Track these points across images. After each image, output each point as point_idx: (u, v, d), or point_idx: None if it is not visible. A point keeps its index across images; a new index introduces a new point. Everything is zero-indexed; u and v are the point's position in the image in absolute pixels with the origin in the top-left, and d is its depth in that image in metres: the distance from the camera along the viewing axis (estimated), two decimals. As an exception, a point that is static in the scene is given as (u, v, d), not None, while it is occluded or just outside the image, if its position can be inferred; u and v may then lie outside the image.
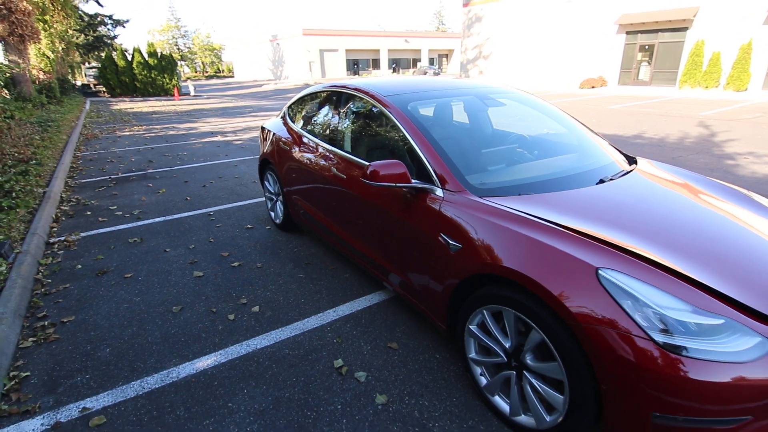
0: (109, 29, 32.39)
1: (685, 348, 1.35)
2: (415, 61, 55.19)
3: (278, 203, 4.08)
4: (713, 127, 9.81)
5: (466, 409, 2.00)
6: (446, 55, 58.88)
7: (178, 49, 67.28)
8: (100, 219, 4.64)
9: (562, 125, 3.01)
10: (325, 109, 3.34)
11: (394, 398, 2.07)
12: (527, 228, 1.74)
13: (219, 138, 9.85)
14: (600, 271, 1.49)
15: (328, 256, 3.61)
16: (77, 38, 29.08)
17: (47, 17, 16.53)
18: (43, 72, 16.82)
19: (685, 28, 19.42)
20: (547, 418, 1.69)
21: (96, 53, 33.69)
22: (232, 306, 2.91)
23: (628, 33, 21.42)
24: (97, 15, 29.67)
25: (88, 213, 4.83)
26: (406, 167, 2.13)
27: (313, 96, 3.62)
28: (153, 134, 10.58)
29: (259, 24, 51.56)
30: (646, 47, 21.08)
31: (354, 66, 50.70)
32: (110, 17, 30.42)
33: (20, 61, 13.43)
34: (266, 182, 4.29)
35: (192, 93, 25.80)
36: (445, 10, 78.66)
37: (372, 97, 2.71)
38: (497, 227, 1.80)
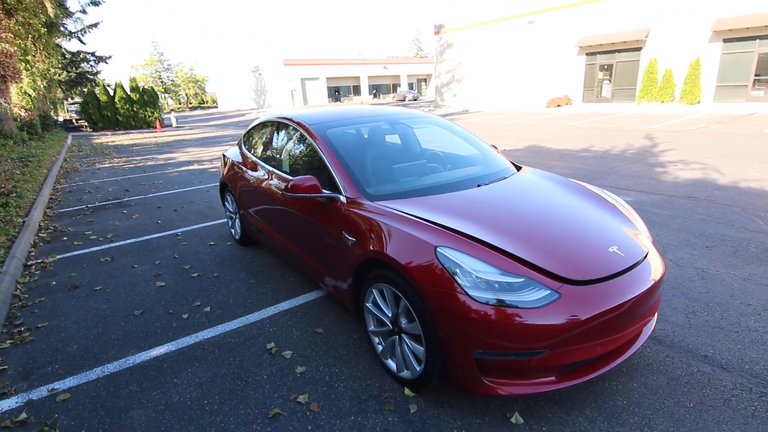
0: (91, 65, 33.07)
1: (494, 300, 1.87)
2: (395, 86, 56.86)
3: (237, 221, 4.57)
4: (657, 139, 10.63)
5: (367, 372, 2.47)
6: (425, 80, 60.81)
7: (162, 82, 68.33)
8: (75, 243, 5.06)
9: (468, 142, 3.58)
10: (268, 136, 3.90)
11: (311, 368, 2.54)
12: (396, 221, 2.27)
13: (195, 166, 10.35)
14: (438, 249, 2.02)
15: (278, 264, 4.09)
16: (59, 75, 29.66)
17: (29, 57, 17.10)
18: (25, 109, 17.27)
19: (639, 48, 20.74)
20: (417, 368, 2.18)
21: (78, 89, 34.28)
22: (187, 308, 3.36)
23: (588, 54, 22.75)
24: (79, 52, 30.39)
25: (65, 238, 5.25)
26: (317, 180, 2.67)
27: (260, 126, 4.18)
28: (132, 165, 11.04)
29: (241, 55, 52.77)
30: (606, 67, 22.38)
31: (335, 93, 52.06)
32: (93, 54, 31.15)
33: (1, 100, 13.88)
34: (226, 203, 4.79)
35: (174, 124, 26.38)
36: (423, 36, 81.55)
37: (299, 125, 3.28)
38: (376, 222, 2.33)
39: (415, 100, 44.49)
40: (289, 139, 3.49)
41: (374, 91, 55.22)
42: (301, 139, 3.28)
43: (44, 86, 21.80)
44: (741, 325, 2.72)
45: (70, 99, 36.97)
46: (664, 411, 2.07)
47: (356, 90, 54.13)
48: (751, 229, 4.32)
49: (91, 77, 33.68)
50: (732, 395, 2.14)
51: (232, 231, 4.77)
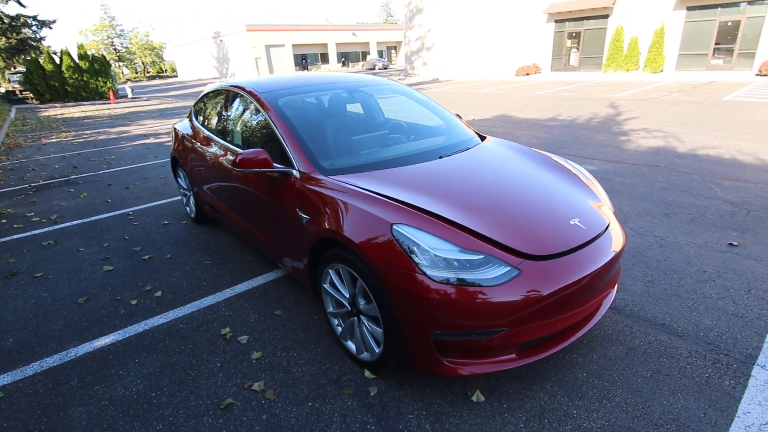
0: (34, 31, 30.39)
1: (453, 279, 1.77)
2: (364, 54, 55.30)
3: (191, 198, 4.31)
4: (621, 108, 10.76)
5: (326, 356, 2.38)
6: (395, 47, 59.35)
7: (115, 49, 63.97)
8: (15, 226, 4.67)
9: (432, 111, 3.43)
10: (218, 107, 3.61)
11: (268, 353, 2.42)
12: (351, 197, 2.12)
13: (151, 140, 9.77)
14: (394, 226, 1.90)
15: (236, 244, 3.89)
16: (-3, 42, 27.18)
17: (-42, 21, 15.46)
18: (-42, 79, 15.74)
19: (607, 15, 20.76)
20: (376, 350, 2.09)
21: (21, 57, 31.57)
22: (136, 293, 3.15)
23: (557, 21, 22.62)
24: (18, 16, 27.78)
25: (3, 221, 4.84)
26: (267, 154, 2.47)
27: (211, 95, 3.87)
28: (81, 140, 10.32)
29: (200, 20, 49.77)
30: (574, 34, 22.36)
31: (302, 61, 50.19)
32: (34, 18, 28.57)
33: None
34: (179, 179, 4.50)
35: (130, 95, 24.85)
36: (393, 2, 78.96)
37: (250, 93, 3.03)
38: (331, 198, 2.18)
39: (386, 68, 43.51)
40: (241, 110, 3.24)
41: (343, 59, 53.58)
42: (253, 109, 3.04)
43: (-21, 53, 19.91)
44: (697, 292, 2.77)
45: (12, 68, 34.10)
46: (622, 382, 2.08)
47: (324, 58, 52.35)
48: (708, 196, 4.42)
49: (35, 44, 30.97)
50: (687, 363, 2.17)
51: (187, 209, 4.50)
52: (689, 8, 18.18)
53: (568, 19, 22.17)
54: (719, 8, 17.54)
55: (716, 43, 18.01)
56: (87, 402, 2.14)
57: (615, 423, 1.85)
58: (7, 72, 34.08)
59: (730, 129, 7.59)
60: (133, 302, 3.02)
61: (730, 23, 17.51)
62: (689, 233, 3.61)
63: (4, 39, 28.55)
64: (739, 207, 4.09)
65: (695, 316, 2.53)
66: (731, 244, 3.38)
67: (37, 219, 4.85)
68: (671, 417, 1.87)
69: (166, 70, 70.45)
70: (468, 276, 1.78)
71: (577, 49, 22.45)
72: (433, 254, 1.81)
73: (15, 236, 4.39)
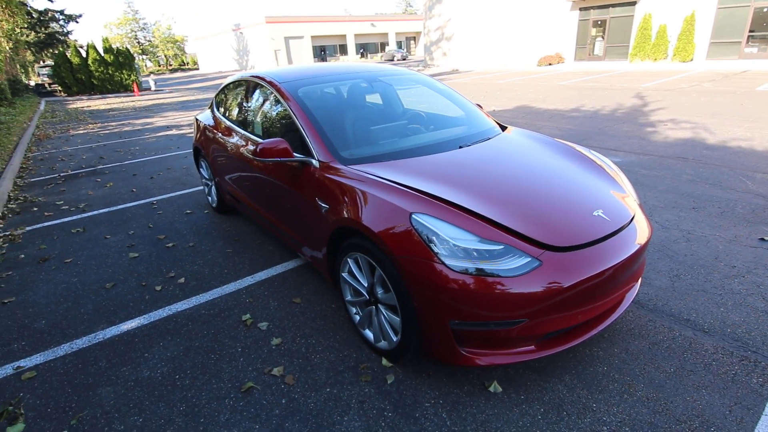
0: (61, 25, 31.21)
1: (472, 269, 1.76)
2: (383, 45, 54.93)
3: (213, 188, 4.38)
4: (647, 98, 10.43)
5: (345, 343, 2.40)
6: (414, 38, 58.75)
7: (138, 42, 65.20)
8: (46, 214, 4.85)
9: (452, 101, 3.39)
10: (239, 97, 3.65)
11: (287, 339, 2.46)
12: (370, 186, 2.12)
13: (174, 132, 9.95)
14: (413, 215, 1.89)
15: (256, 233, 3.95)
16: (27, 36, 27.99)
17: (-9, 16, 15.99)
18: (-9, 73, 16.33)
19: (634, 2, 20.05)
20: (394, 339, 2.10)
21: (50, 51, 32.49)
22: (160, 279, 3.23)
23: (581, 9, 21.97)
24: (47, 11, 28.56)
25: (35, 209, 5.03)
26: (288, 143, 2.49)
27: (232, 86, 3.91)
28: (107, 131, 10.60)
29: (221, 13, 50.22)
30: (599, 23, 21.69)
31: (321, 52, 50.19)
32: (61, 12, 29.32)
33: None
34: (201, 169, 4.58)
35: (153, 88, 25.32)
36: (412, -9, 78.05)
37: (270, 84, 3.05)
38: (350, 188, 2.19)
39: (404, 59, 43.16)
40: (261, 100, 3.26)
41: (361, 50, 53.35)
42: (273, 99, 3.06)
43: (10, 48, 20.58)
44: (725, 288, 2.69)
45: (41, 62, 35.16)
46: (644, 377, 2.04)
47: (342, 49, 52.23)
48: (739, 189, 4.26)
49: (62, 38, 31.84)
50: (713, 359, 2.12)
51: (209, 199, 4.58)
52: (722, -6, 17.40)
53: (593, 7, 21.50)
54: (755, -7, 16.73)
55: (750, 31, 17.20)
56: (114, 382, 2.22)
57: (636, 418, 1.82)
58: (36, 66, 35.15)
59: (764, 120, 7.27)
60: (158, 288, 3.10)
61: (766, 9, 16.70)
62: (718, 227, 3.49)
63: (33, 33, 29.41)
64: (771, 201, 3.93)
65: (722, 312, 2.46)
66: (763, 239, 3.25)
67: (66, 207, 5.02)
68: (695, 413, 1.83)
69: (187, 63, 71.49)
70: (487, 266, 1.77)
71: (603, 37, 21.78)
72: (452, 244, 1.80)
73: (46, 223, 4.55)
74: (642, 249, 2.03)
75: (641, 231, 2.09)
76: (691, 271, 2.89)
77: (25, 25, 25.76)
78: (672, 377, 2.02)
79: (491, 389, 2.01)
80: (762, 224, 3.49)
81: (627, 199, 2.27)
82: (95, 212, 4.80)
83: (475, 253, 1.79)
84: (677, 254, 3.11)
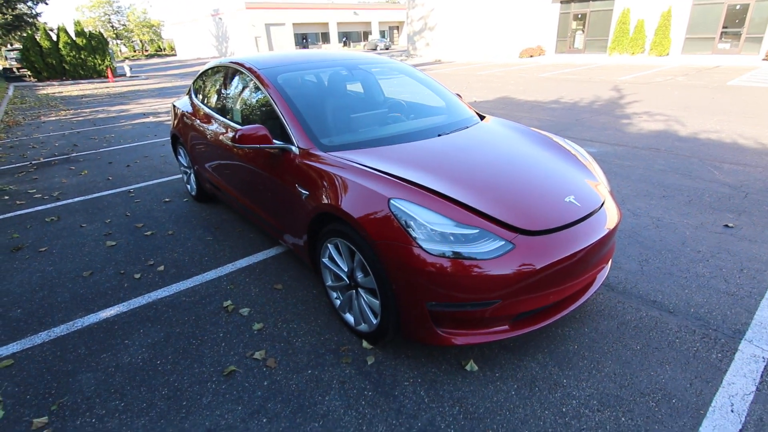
0: (30, 6, 29.88)
1: (448, 252, 1.82)
2: (366, 34, 54.40)
3: (192, 176, 4.33)
4: (624, 91, 10.67)
5: (325, 327, 2.45)
6: (397, 28, 58.35)
7: (112, 26, 62.93)
8: (18, 202, 4.71)
9: (432, 90, 3.43)
10: (218, 84, 3.61)
11: (268, 324, 2.49)
12: (349, 173, 2.15)
13: (150, 119, 9.72)
14: (391, 201, 1.93)
15: (237, 221, 3.93)
16: (-7, 18, 26.72)
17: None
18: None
19: (613, -3, 20.35)
20: (374, 321, 2.15)
21: (18, 34, 31.09)
22: (139, 267, 3.21)
23: (562, 2, 22.20)
24: (13, -9, 27.28)
25: (6, 197, 4.88)
26: (267, 130, 2.49)
27: (210, 72, 3.86)
28: (81, 118, 10.28)
29: (198, -3, 48.82)
30: (579, 16, 21.97)
31: (303, 40, 49.40)
32: (29, -7, 28.06)
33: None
34: (179, 156, 4.52)
35: (128, 74, 24.59)
36: (395, -20, 77.19)
37: (249, 70, 3.03)
38: (329, 174, 2.21)
39: (387, 49, 42.88)
40: (241, 86, 3.24)
41: (344, 39, 52.73)
42: (253, 86, 3.04)
43: (-25, 29, 19.63)
44: (690, 271, 2.83)
45: (8, 45, 33.62)
46: (612, 354, 2.14)
47: (325, 37, 51.51)
48: (707, 179, 4.44)
49: (31, 20, 30.49)
50: (676, 337, 2.24)
51: (188, 187, 4.53)
52: (697, -11, 17.81)
53: (573, 0, 21.75)
54: (728, -10, 17.19)
55: (723, 27, 17.71)
56: (95, 368, 2.22)
57: (603, 392, 1.92)
58: (3, 49, 33.62)
59: (733, 113, 7.55)
60: (137, 276, 3.08)
61: (738, 6, 17.19)
62: (686, 215, 3.64)
63: (-1, 15, 28.09)
64: (737, 190, 4.12)
65: (687, 294, 2.59)
66: (727, 226, 3.42)
67: (39, 196, 4.89)
68: (657, 387, 1.94)
69: (164, 49, 69.44)
70: (463, 249, 1.82)
71: (583, 31, 22.09)
72: (430, 228, 1.85)
73: (18, 212, 4.43)
74: (611, 233, 2.12)
75: (611, 216, 2.18)
76: (659, 255, 3.02)
77: (-10, 7, 24.57)
78: (638, 354, 2.14)
79: (467, 368, 2.09)
80: (727, 211, 3.66)
81: (598, 186, 2.36)
82: (70, 201, 4.69)
83: (451, 237, 1.84)
84: (647, 240, 3.24)
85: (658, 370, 2.04)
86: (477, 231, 1.87)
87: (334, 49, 47.46)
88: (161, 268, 3.18)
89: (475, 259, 1.81)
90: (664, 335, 2.26)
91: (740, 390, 1.91)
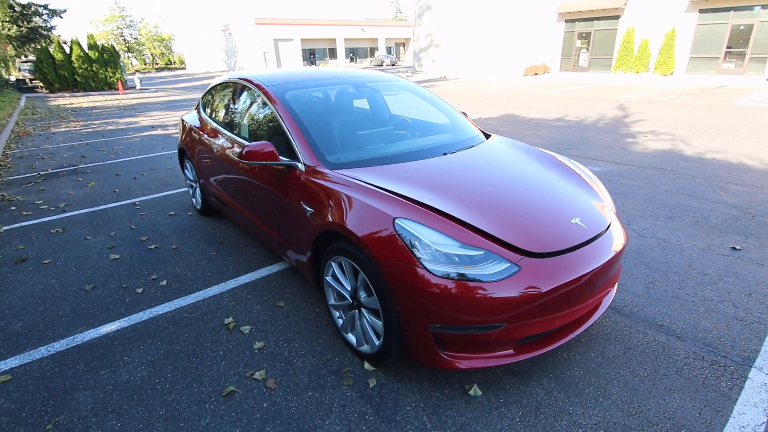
0: (45, 20, 30.67)
1: (453, 273, 1.80)
2: (372, 50, 55.18)
3: (197, 189, 4.35)
4: (629, 110, 10.70)
5: (328, 347, 2.42)
6: (403, 44, 59.17)
7: (124, 40, 64.25)
8: (24, 213, 4.74)
9: (438, 108, 3.44)
10: (226, 99, 3.65)
11: (270, 343, 2.46)
12: (355, 191, 2.15)
13: (159, 132, 9.83)
14: (396, 220, 1.92)
15: (241, 236, 3.93)
16: (9, 30, 27.40)
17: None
18: (-30, 67, 15.91)
19: (618, 16, 20.59)
20: (376, 342, 2.12)
21: (32, 46, 31.82)
22: (142, 282, 3.20)
23: (567, 21, 22.47)
24: (30, 4, 28.09)
25: (13, 208, 4.92)
26: (274, 147, 2.50)
27: (219, 87, 3.90)
28: (90, 130, 10.41)
29: (210, 12, 49.87)
30: (584, 35, 22.20)
31: (310, 56, 50.16)
32: (45, 6, 28.86)
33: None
34: (186, 170, 4.54)
35: (138, 86, 24.95)
36: (402, -2, 78.58)
37: (258, 87, 3.06)
38: (335, 192, 2.21)
39: (393, 65, 43.43)
40: (248, 102, 3.27)
41: (351, 55, 53.50)
42: (260, 102, 3.07)
43: (-9, 42, 20.11)
44: (697, 294, 2.78)
45: (23, 57, 34.38)
46: (618, 380, 2.10)
47: (332, 53, 52.29)
48: (713, 200, 4.41)
49: (45, 33, 31.26)
50: (684, 364, 2.19)
51: (193, 200, 4.55)
52: (701, 11, 18.00)
53: (578, 19, 22.01)
54: (732, 11, 17.35)
55: (728, 47, 17.82)
56: (92, 386, 2.19)
57: (610, 420, 1.87)
58: (17, 60, 34.36)
59: (738, 133, 7.53)
60: (139, 290, 3.07)
61: (742, 27, 17.32)
62: (692, 236, 3.61)
63: (15, 27, 28.81)
64: (743, 211, 4.08)
65: (694, 318, 2.54)
66: (734, 248, 3.37)
67: (46, 207, 4.92)
68: (666, 416, 1.89)
69: (174, 62, 70.66)
70: (468, 271, 1.80)
71: (587, 49, 22.29)
72: (434, 249, 1.83)
73: (24, 223, 4.45)
74: (617, 256, 2.09)
75: (617, 238, 2.16)
76: (666, 278, 2.98)
77: (7, 19, 25.21)
78: (645, 381, 2.09)
79: (471, 393, 2.05)
80: (734, 234, 3.62)
81: (604, 208, 2.34)
82: (76, 212, 4.71)
83: (456, 258, 1.83)
84: (653, 262, 3.20)
85: (666, 398, 1.99)
86: (482, 252, 1.85)
87: (341, 64, 48.14)
88: (164, 282, 3.16)
89: (480, 281, 1.78)
90: (671, 361, 2.21)
91: (751, 421, 1.86)
